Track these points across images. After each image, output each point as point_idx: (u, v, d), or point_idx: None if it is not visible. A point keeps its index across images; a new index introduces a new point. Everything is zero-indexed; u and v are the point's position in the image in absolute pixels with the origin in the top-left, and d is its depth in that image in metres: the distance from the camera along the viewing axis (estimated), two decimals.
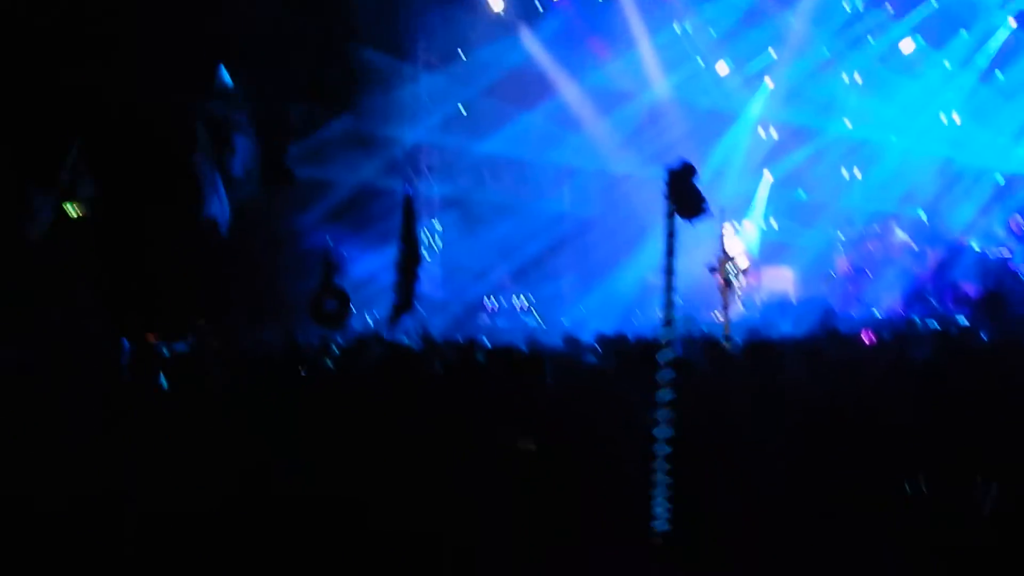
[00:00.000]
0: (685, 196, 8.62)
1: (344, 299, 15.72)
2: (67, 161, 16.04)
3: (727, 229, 25.77)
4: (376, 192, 28.75)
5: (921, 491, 8.04)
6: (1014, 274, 24.51)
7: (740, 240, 28.52)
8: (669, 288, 8.71)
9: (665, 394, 8.34)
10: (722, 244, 15.86)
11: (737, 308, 26.35)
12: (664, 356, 8.46)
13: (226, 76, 16.24)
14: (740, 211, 30.46)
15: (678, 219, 8.79)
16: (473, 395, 9.91)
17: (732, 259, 15.86)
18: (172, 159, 15.92)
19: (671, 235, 8.68)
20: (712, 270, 15.95)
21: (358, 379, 11.05)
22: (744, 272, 20.66)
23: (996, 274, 24.66)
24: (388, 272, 23.93)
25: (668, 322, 8.62)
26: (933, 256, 26.34)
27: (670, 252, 8.71)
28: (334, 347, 17.07)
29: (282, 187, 16.22)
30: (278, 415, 9.40)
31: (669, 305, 8.69)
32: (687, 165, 8.79)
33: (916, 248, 27.09)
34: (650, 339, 10.21)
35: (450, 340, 18.63)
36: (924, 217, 27.93)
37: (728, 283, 15.33)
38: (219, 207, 16.34)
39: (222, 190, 16.37)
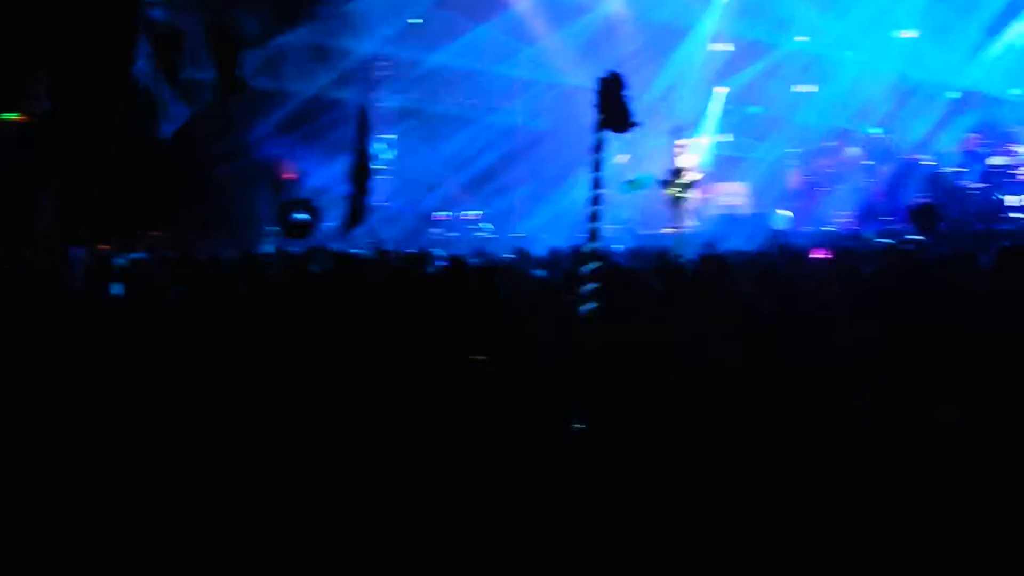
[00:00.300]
0: (614, 108, 8.59)
1: (312, 210, 15.65)
2: (27, 80, 15.89)
3: (680, 144, 25.84)
4: (330, 103, 28.64)
5: (876, 411, 8.10)
6: (965, 191, 24.63)
7: (693, 155, 28.54)
8: (596, 201, 8.70)
9: (589, 307, 8.39)
10: (674, 159, 15.83)
11: (688, 222, 26.46)
12: (587, 268, 8.50)
13: None
14: (694, 126, 30.44)
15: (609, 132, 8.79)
16: (423, 305, 9.91)
17: (683, 174, 15.80)
18: (117, 71, 15.77)
19: (598, 148, 8.66)
20: (663, 184, 15.93)
21: (310, 289, 11.02)
22: (695, 186, 20.64)
23: (948, 191, 24.78)
24: (341, 183, 23.89)
25: (593, 235, 8.63)
26: (887, 172, 26.40)
27: (597, 166, 8.68)
28: (288, 258, 17.07)
29: (235, 97, 16.10)
30: (229, 325, 9.39)
31: (595, 218, 8.69)
32: (616, 76, 8.74)
33: (870, 164, 27.15)
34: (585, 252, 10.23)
35: (402, 251, 18.65)
36: (879, 133, 27.98)
37: (678, 198, 15.30)
38: (166, 116, 16.16)
39: (170, 98, 16.17)
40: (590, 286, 8.54)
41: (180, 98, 16.28)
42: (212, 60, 15.48)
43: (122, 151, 15.68)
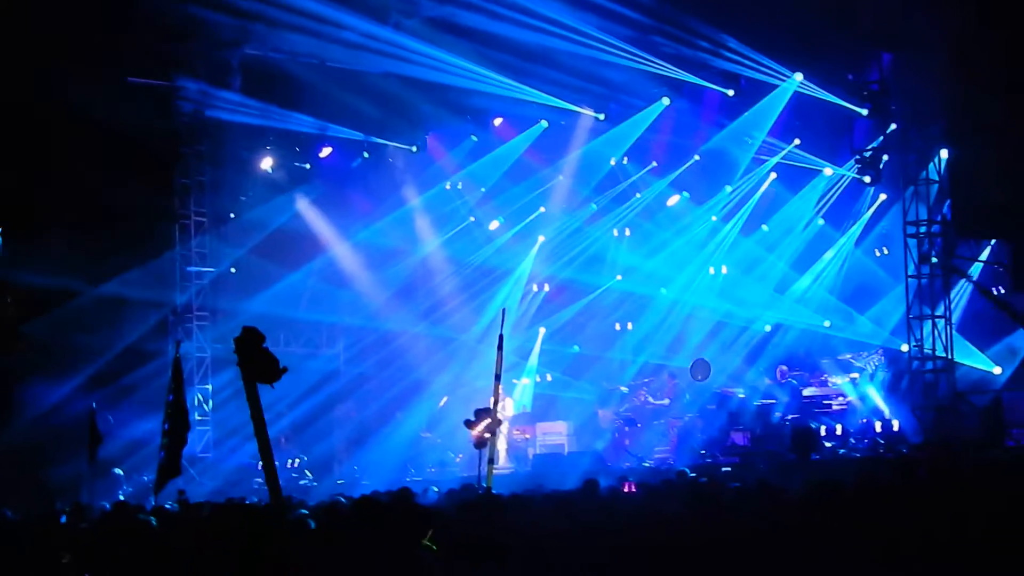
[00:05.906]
0: (257, 362, 8.53)
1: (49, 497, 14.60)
2: None
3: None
4: (145, 355, 28.28)
5: None
6: (780, 422, 24.99)
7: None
8: (269, 458, 8.58)
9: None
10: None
11: (507, 463, 26.55)
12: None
13: None
14: (515, 367, 30.70)
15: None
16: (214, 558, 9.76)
17: (487, 415, 15.90)
18: None
19: (255, 404, 8.55)
20: (468, 424, 16.06)
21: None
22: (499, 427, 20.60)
23: (762, 422, 25.14)
24: (159, 436, 23.41)
25: (275, 494, 8.49)
26: (703, 405, 26.72)
27: (259, 419, 8.58)
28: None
29: (9, 351, 15.91)
30: None
31: (273, 475, 8.55)
32: (252, 331, 8.70)
33: (687, 398, 27.47)
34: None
35: (216, 503, 18.29)
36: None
37: (484, 438, 15.40)
38: None
39: None
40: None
41: None
42: None
43: None
